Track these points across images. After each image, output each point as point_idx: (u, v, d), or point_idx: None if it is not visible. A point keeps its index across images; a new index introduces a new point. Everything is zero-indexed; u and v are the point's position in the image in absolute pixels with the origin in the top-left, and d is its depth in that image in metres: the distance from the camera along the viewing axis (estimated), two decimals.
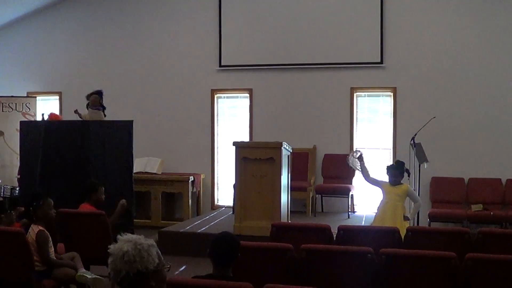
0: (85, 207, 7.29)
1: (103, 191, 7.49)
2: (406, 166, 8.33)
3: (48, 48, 13.40)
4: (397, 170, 8.01)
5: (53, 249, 6.21)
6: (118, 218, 7.38)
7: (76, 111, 9.63)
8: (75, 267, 6.19)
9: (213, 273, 4.31)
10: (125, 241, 3.13)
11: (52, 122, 9.60)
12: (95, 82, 12.66)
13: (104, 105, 9.72)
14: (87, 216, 7.14)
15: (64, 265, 6.20)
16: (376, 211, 8.10)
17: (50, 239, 6.14)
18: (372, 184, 8.21)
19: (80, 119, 9.51)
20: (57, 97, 13.35)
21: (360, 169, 8.36)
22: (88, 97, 9.62)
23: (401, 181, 8.04)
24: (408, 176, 8.53)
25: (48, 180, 8.72)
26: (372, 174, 8.33)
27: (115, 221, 7.21)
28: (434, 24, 11.40)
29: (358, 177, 11.41)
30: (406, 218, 7.79)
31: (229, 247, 4.34)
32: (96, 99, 9.59)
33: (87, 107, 9.56)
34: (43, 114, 10.12)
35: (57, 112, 12.50)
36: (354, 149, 8.44)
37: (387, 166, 8.12)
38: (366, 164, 8.32)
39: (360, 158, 8.33)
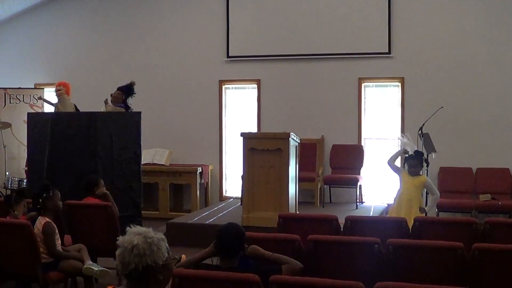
0: (90, 201, 7.29)
1: (103, 183, 7.48)
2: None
3: (56, 39, 13.40)
4: (416, 160, 7.92)
5: (60, 241, 6.21)
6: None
7: (106, 101, 9.64)
8: (81, 259, 6.19)
9: (219, 264, 4.31)
10: (135, 234, 3.10)
11: (59, 113, 9.60)
12: (103, 73, 12.76)
13: (130, 104, 9.72)
14: (94, 208, 7.14)
15: (71, 257, 6.19)
16: (392, 201, 8.07)
17: (57, 230, 6.14)
18: (393, 169, 8.04)
19: (104, 107, 9.54)
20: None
21: (401, 152, 8.27)
22: (112, 95, 9.67)
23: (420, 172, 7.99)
24: (427, 166, 8.48)
25: (55, 172, 8.74)
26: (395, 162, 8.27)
27: (116, 211, 7.20)
28: (443, 12, 11.33)
29: (366, 168, 11.42)
30: (422, 210, 7.70)
31: (235, 238, 4.34)
32: (118, 96, 9.61)
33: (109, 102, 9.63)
34: (40, 97, 10.00)
35: None
36: (407, 139, 8.33)
37: (405, 156, 8.06)
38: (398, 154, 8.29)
39: (405, 151, 8.22)
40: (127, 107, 9.65)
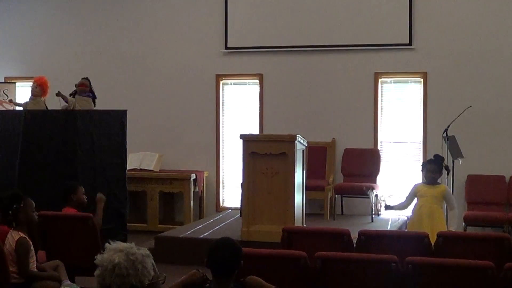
0: (68, 211, 7.28)
1: (83, 191, 7.47)
2: None
3: (29, 28, 13.39)
4: (435, 165, 7.93)
5: (34, 259, 6.17)
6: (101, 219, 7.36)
7: (58, 94, 9.51)
8: (58, 279, 6.17)
9: (211, 285, 4.29)
10: (115, 251, 3.08)
11: (32, 111, 9.54)
12: (83, 66, 12.71)
13: (95, 93, 9.73)
14: (73, 220, 7.13)
15: (46, 277, 6.16)
16: (411, 214, 8.07)
17: (32, 247, 6.10)
18: (411, 201, 8.14)
19: (64, 104, 9.47)
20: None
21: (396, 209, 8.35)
22: (77, 85, 9.64)
23: (439, 180, 7.98)
24: (448, 173, 8.49)
25: (28, 179, 8.73)
26: (401, 200, 8.32)
27: (100, 223, 7.19)
28: None
29: (382, 175, 11.41)
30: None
31: (230, 255, 4.30)
32: (85, 84, 9.58)
33: (73, 96, 9.55)
34: (10, 100, 10.01)
35: None
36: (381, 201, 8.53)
37: (423, 162, 8.07)
38: (395, 202, 8.36)
39: (388, 207, 8.29)
40: (94, 96, 9.62)
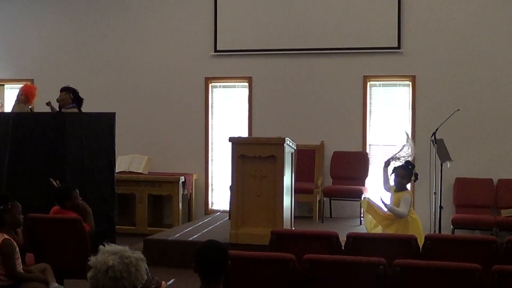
0: (66, 214, 7.27)
1: (78, 194, 7.45)
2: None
3: (18, 31, 13.34)
4: (405, 170, 7.96)
5: (20, 261, 6.16)
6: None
7: (48, 104, 9.58)
8: (46, 281, 6.15)
9: (201, 287, 4.29)
10: (110, 253, 3.06)
11: (21, 114, 9.54)
12: (73, 69, 12.71)
13: (80, 97, 9.66)
14: (62, 222, 7.11)
15: (34, 279, 6.15)
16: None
17: (18, 249, 6.10)
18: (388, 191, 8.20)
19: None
20: None
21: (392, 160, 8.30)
22: (58, 101, 9.60)
23: (407, 187, 8.04)
24: (415, 180, 8.47)
25: (16, 181, 8.69)
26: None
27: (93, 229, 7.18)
28: (461, 2, 11.35)
29: (371, 178, 11.42)
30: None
31: (217, 257, 4.31)
32: (65, 98, 9.53)
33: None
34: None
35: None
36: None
37: (394, 167, 8.08)
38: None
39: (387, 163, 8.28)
40: (79, 103, 9.55)
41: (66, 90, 9.61)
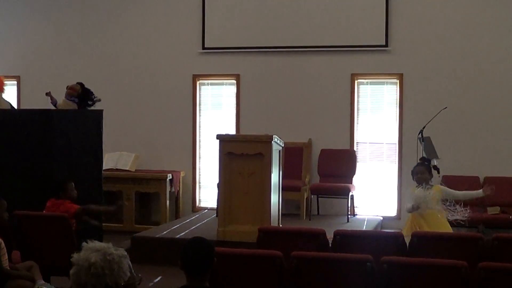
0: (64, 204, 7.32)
1: (73, 186, 7.47)
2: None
3: (3, 26, 13.29)
4: (422, 166, 7.97)
5: (6, 258, 6.13)
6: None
7: (48, 94, 9.46)
8: (32, 279, 6.13)
9: (186, 284, 4.27)
10: (92, 250, 3.06)
11: (7, 110, 9.46)
12: (58, 66, 12.68)
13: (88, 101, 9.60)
14: (48, 220, 7.09)
15: (20, 276, 6.12)
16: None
17: (4, 246, 6.07)
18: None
19: (52, 104, 9.42)
20: (15, 82, 13.18)
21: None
22: (67, 87, 9.55)
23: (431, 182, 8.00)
24: (438, 173, 8.50)
25: (2, 178, 8.64)
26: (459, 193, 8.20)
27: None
28: (447, 0, 11.38)
29: (358, 176, 11.43)
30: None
31: (202, 254, 4.28)
32: (74, 88, 9.46)
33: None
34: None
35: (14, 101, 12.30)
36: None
37: (412, 170, 8.06)
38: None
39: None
40: (81, 103, 9.49)
41: (80, 84, 9.55)
